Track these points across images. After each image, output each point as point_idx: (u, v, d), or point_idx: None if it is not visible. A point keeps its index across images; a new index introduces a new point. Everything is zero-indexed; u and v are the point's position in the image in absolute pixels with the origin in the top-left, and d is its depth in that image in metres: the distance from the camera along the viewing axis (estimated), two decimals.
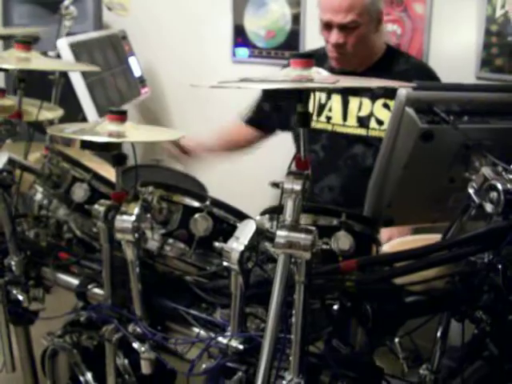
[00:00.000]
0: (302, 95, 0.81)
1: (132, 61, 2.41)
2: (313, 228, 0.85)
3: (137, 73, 2.42)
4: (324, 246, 0.90)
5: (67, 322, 1.71)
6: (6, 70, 1.27)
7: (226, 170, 2.57)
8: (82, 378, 1.45)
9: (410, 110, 1.00)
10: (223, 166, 2.61)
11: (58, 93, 1.90)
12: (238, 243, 0.92)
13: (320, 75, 0.88)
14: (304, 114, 0.87)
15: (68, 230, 1.45)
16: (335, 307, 1.03)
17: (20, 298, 1.30)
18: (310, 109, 0.87)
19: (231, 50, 2.52)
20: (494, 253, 0.88)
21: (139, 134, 1.05)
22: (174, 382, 1.49)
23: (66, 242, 1.43)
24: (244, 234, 0.93)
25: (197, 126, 2.80)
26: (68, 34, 2.03)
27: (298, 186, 0.85)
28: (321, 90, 0.81)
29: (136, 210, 1.01)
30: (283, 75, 0.89)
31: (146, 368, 1.14)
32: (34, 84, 1.44)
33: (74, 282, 1.30)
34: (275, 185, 0.88)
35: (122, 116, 1.04)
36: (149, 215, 1.04)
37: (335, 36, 1.67)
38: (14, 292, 1.31)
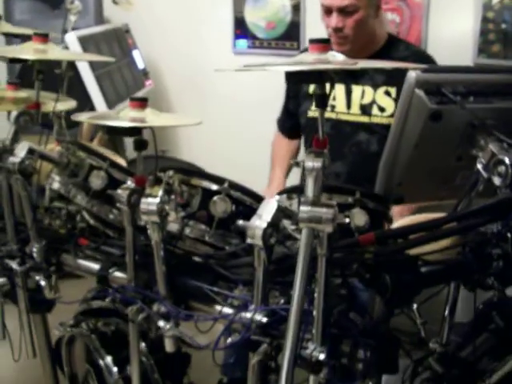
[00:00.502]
0: (322, 77, 0.85)
1: (135, 54, 2.45)
2: (333, 203, 0.90)
3: (140, 65, 2.45)
4: (345, 220, 0.95)
5: (78, 311, 1.76)
6: (25, 61, 1.31)
7: (228, 160, 2.62)
8: (101, 362, 1.49)
9: (419, 92, 1.05)
10: (225, 156, 2.66)
11: (65, 86, 1.94)
12: (261, 220, 0.96)
13: (336, 58, 0.93)
14: (322, 96, 0.92)
15: (81, 220, 1.49)
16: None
17: (42, 283, 1.34)
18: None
19: (232, 41, 2.56)
20: (502, 223, 0.94)
21: (160, 120, 1.09)
22: (188, 366, 1.55)
23: (79, 231, 1.47)
24: (266, 211, 0.98)
25: (197, 118, 2.84)
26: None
27: (318, 164, 0.90)
28: (341, 71, 0.86)
29: (160, 193, 1.06)
30: (301, 58, 0.93)
31: (169, 346, 1.18)
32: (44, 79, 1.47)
33: (95, 266, 1.33)
34: (297, 164, 0.93)
35: (143, 103, 1.08)
36: (173, 197, 1.08)
37: (335, 20, 1.73)
38: (37, 278, 1.35)
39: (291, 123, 2.07)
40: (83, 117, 1.14)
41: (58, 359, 1.65)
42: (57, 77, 1.92)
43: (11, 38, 2.26)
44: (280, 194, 1.12)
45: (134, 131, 1.06)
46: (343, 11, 1.71)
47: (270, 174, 2.05)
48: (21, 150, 1.25)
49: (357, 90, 1.86)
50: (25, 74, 2.27)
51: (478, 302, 1.19)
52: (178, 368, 1.52)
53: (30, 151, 1.26)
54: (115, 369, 1.47)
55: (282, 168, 2.04)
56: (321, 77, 0.85)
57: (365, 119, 1.86)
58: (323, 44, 0.91)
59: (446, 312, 1.26)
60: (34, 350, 1.55)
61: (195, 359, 1.54)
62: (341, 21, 1.72)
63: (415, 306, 0.93)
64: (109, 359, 1.49)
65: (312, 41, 0.92)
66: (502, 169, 0.95)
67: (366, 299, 1.12)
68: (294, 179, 2.00)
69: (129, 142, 2.96)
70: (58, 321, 1.67)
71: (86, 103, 2.08)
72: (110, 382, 1.48)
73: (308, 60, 0.91)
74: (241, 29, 2.52)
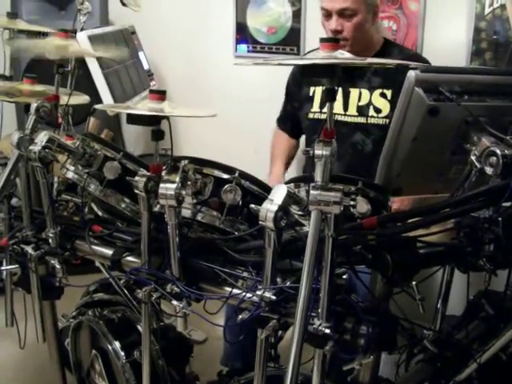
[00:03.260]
0: (334, 70, 0.94)
1: (141, 55, 2.52)
2: (340, 187, 0.98)
3: (145, 66, 2.53)
4: (351, 202, 1.03)
5: (80, 304, 1.82)
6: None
7: (230, 161, 2.69)
8: (110, 347, 1.55)
9: (418, 89, 1.14)
10: (227, 156, 2.73)
11: (73, 82, 2.00)
12: (272, 204, 1.04)
13: (345, 56, 1.01)
14: (331, 90, 1.00)
15: (89, 211, 1.55)
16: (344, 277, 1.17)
17: (57, 266, 1.40)
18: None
19: (233, 45, 2.65)
20: (494, 208, 1.02)
21: (178, 111, 1.17)
22: (190, 356, 1.61)
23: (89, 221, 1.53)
24: (277, 196, 1.05)
25: (200, 120, 2.91)
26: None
27: (327, 152, 0.98)
28: (351, 65, 0.95)
29: (178, 179, 1.13)
30: (312, 55, 1.02)
31: (181, 326, 1.25)
32: (49, 74, 1.54)
33: (109, 252, 1.39)
34: (307, 151, 1.01)
35: (162, 95, 1.16)
36: (189, 183, 1.16)
37: (334, 23, 1.84)
38: (52, 262, 1.41)
39: (291, 124, 2.18)
40: (106, 106, 1.21)
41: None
42: (65, 74, 2.00)
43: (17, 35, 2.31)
44: (288, 182, 1.20)
45: (154, 121, 1.14)
46: (342, 14, 1.83)
47: (270, 167, 2.14)
48: (42, 139, 1.31)
49: (354, 92, 1.96)
50: (31, 70, 2.34)
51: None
52: (181, 356, 1.59)
53: (50, 140, 1.32)
54: (123, 353, 1.53)
55: (281, 161, 2.13)
56: (333, 70, 0.94)
57: (362, 120, 1.94)
58: (333, 43, 1.00)
59: (440, 300, 1.35)
60: (44, 335, 1.60)
61: (195, 352, 1.61)
62: (340, 24, 1.83)
63: (414, 283, 1.01)
64: (117, 344, 1.55)
65: (323, 40, 1.00)
66: (493, 159, 1.04)
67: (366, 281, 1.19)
68: (292, 174, 2.10)
69: (128, 140, 3.03)
70: (59, 313, 1.74)
71: (92, 101, 2.14)
72: (118, 366, 1.54)
73: (320, 57, 0.99)
74: (242, 33, 2.62)
